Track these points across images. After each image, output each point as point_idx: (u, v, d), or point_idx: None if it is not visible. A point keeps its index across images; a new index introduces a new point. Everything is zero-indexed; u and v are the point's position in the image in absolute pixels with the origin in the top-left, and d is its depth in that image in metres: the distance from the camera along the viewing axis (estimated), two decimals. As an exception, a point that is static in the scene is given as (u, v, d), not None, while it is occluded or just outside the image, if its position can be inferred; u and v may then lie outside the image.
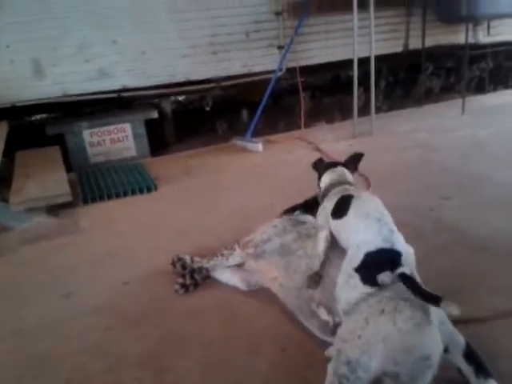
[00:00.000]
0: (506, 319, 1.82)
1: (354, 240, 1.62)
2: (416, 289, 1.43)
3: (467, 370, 1.44)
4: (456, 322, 1.51)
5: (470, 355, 1.45)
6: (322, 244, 1.79)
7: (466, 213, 2.72)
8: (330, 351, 1.55)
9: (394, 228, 1.62)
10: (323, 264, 1.78)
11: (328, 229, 1.80)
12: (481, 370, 1.43)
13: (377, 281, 1.49)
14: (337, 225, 1.75)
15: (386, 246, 1.53)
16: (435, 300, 1.39)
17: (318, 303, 1.73)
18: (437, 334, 1.38)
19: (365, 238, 1.58)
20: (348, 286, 1.55)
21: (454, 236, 2.46)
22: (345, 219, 1.69)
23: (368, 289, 1.50)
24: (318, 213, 1.90)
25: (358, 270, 1.54)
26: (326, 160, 2.14)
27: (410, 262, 1.56)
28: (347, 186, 1.88)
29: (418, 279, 1.51)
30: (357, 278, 1.53)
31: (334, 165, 2.03)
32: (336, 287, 1.61)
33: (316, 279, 1.75)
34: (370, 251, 1.53)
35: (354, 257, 1.57)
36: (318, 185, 2.03)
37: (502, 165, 3.44)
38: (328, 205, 1.83)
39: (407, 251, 1.59)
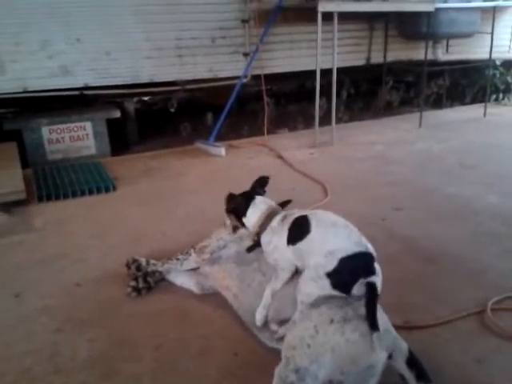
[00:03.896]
0: (446, 327, 1.90)
1: (321, 249, 1.56)
2: (370, 306, 1.45)
3: (409, 375, 1.47)
4: (399, 328, 1.57)
5: (411, 362, 1.48)
6: (279, 285, 1.74)
7: (416, 224, 2.82)
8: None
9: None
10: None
11: (290, 272, 1.72)
12: (421, 376, 1.47)
13: (350, 289, 1.49)
14: (299, 247, 1.65)
15: (361, 249, 1.53)
16: (373, 326, 1.41)
17: (270, 320, 1.75)
18: (382, 343, 1.41)
19: (335, 244, 1.55)
20: (314, 284, 1.55)
21: (404, 246, 2.54)
22: (308, 237, 1.62)
23: (337, 292, 1.51)
24: (269, 254, 1.76)
25: (331, 275, 1.52)
26: (235, 193, 1.89)
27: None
28: (285, 212, 1.78)
29: None
30: (327, 281, 1.52)
31: (249, 197, 1.84)
32: (299, 281, 1.61)
33: None
34: (346, 256, 1.51)
35: (327, 262, 1.53)
36: (237, 227, 1.91)
37: (453, 179, 3.58)
38: (278, 240, 1.71)
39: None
